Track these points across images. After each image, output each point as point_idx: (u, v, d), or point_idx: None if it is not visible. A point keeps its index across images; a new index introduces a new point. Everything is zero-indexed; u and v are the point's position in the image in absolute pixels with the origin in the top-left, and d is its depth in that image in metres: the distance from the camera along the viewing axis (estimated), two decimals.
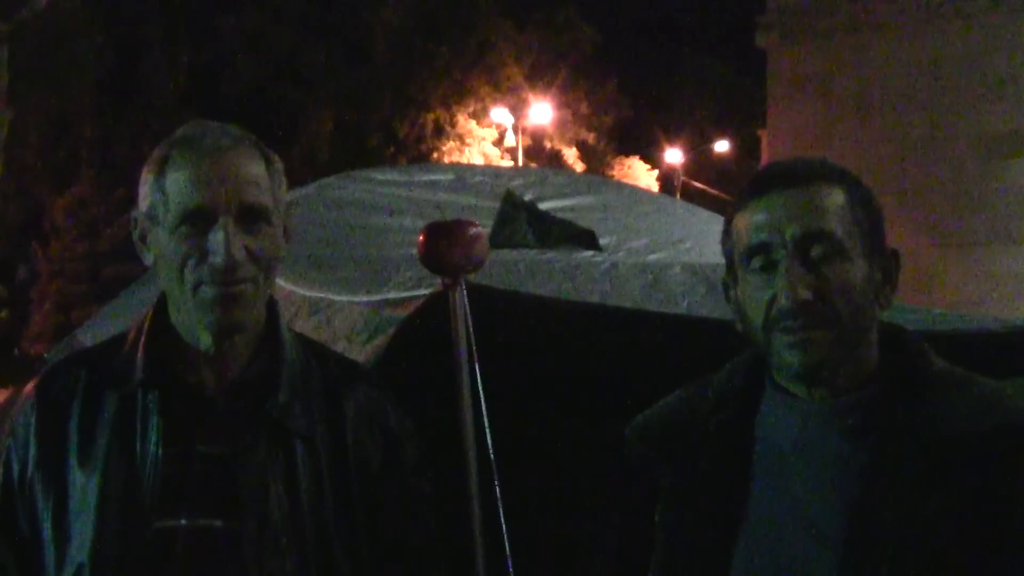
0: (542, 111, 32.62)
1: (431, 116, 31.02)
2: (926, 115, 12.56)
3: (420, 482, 1.97)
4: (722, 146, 40.06)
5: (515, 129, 31.18)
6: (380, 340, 2.81)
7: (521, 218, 3.90)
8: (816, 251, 1.56)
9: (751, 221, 1.61)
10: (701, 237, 4.01)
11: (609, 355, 3.25)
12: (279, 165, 1.88)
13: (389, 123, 30.50)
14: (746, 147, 36.82)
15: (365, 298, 3.07)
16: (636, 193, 5.55)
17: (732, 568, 1.62)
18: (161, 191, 1.79)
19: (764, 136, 20.97)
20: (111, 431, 1.80)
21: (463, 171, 4.96)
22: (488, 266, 2.86)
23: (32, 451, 1.82)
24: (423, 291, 2.93)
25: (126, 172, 23.43)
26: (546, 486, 3.59)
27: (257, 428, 1.81)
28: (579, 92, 34.98)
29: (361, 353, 2.75)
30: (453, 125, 31.31)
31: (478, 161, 28.90)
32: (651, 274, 3.57)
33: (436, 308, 2.75)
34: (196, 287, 1.77)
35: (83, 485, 1.78)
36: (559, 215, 4.12)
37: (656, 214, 4.61)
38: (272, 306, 1.91)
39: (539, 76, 33.15)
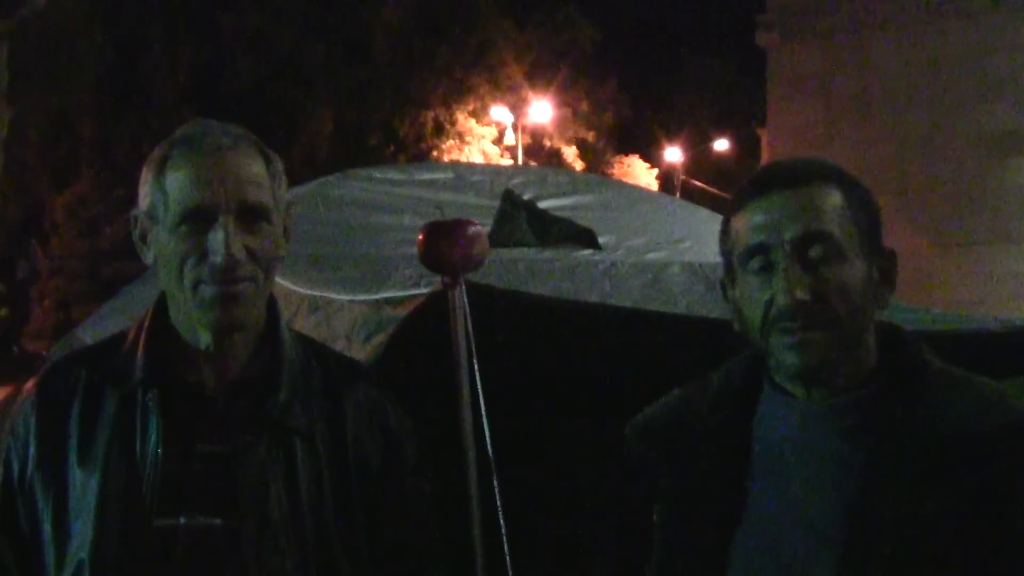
0: (542, 109, 32.61)
1: (431, 115, 31.02)
2: (926, 115, 12.57)
3: (420, 481, 1.97)
4: (722, 145, 40.07)
5: (515, 127, 31.18)
6: (379, 339, 2.82)
7: (520, 217, 3.90)
8: (814, 252, 1.56)
9: (749, 222, 1.61)
10: (700, 236, 4.01)
11: (608, 354, 3.26)
12: (279, 164, 1.88)
13: (389, 122, 30.50)
14: (746, 146, 36.81)
15: (365, 297, 3.07)
16: (635, 192, 5.55)
17: (730, 568, 1.62)
18: (161, 190, 1.79)
19: (764, 135, 20.98)
20: (111, 430, 1.80)
21: (463, 170, 4.96)
22: (487, 265, 2.86)
23: (32, 450, 1.82)
24: (422, 290, 2.93)
25: (126, 171, 23.42)
26: (545, 485, 3.60)
27: (257, 427, 1.81)
28: (579, 91, 34.98)
29: (361, 352, 2.75)
30: (453, 123, 31.31)
31: (478, 159, 28.87)
32: (650, 273, 3.58)
33: (435, 307, 2.76)
34: (196, 286, 1.77)
35: (83, 484, 1.78)
36: (558, 214, 4.13)
37: (655, 213, 4.61)
38: (272, 305, 1.91)
39: (539, 75, 33.14)
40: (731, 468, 1.65)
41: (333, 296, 3.13)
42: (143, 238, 1.86)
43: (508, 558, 2.69)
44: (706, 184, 35.11)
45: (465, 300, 2.72)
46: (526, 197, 4.16)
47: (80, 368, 1.87)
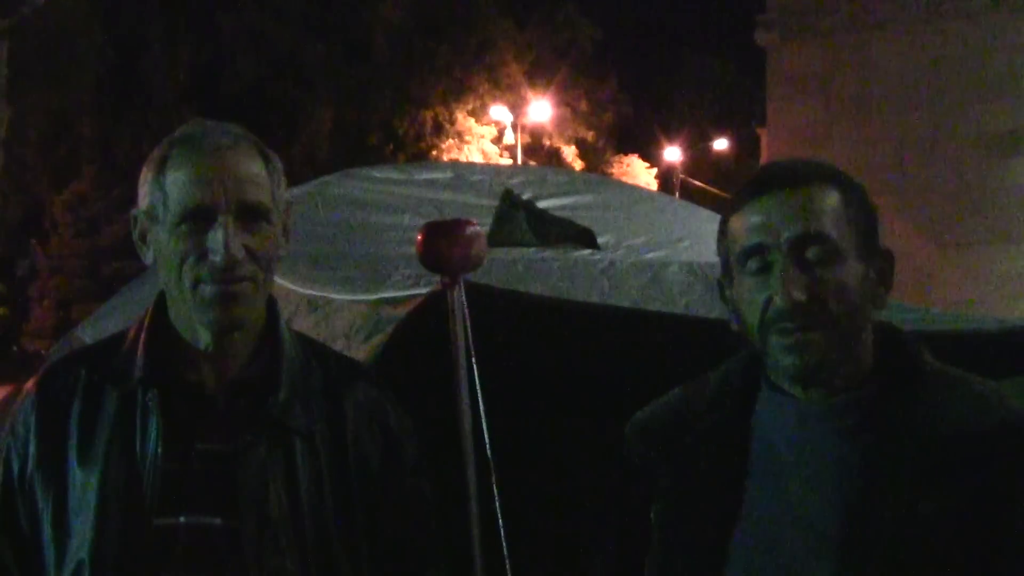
0: (541, 109, 32.63)
1: (430, 114, 31.03)
2: (926, 114, 12.56)
3: (420, 481, 1.97)
4: (721, 144, 40.11)
5: (514, 127, 31.20)
6: (379, 339, 2.82)
7: (519, 217, 3.90)
8: (811, 253, 1.56)
9: (746, 223, 1.61)
10: (699, 236, 4.01)
11: (607, 354, 3.26)
12: (278, 164, 1.88)
13: (389, 121, 30.51)
14: (745, 146, 36.85)
15: (364, 296, 3.07)
16: (635, 192, 5.55)
17: (729, 568, 1.62)
18: (161, 190, 1.79)
19: (763, 135, 20.98)
20: (111, 429, 1.80)
21: (462, 169, 4.96)
22: (486, 265, 2.86)
23: (32, 449, 1.82)
24: (421, 290, 2.93)
25: (126, 170, 23.44)
26: (545, 485, 3.60)
27: (257, 426, 1.81)
28: (578, 90, 35.01)
29: (360, 351, 2.75)
30: (452, 123, 31.33)
31: (477, 159, 28.89)
32: (649, 273, 3.57)
33: (435, 307, 2.76)
34: (195, 285, 1.77)
35: (83, 483, 1.78)
36: (557, 214, 4.13)
37: (654, 213, 4.61)
38: (272, 304, 1.91)
39: (538, 74, 33.17)
40: (730, 468, 1.65)
41: (332, 296, 3.13)
42: (143, 238, 1.86)
43: (507, 558, 2.69)
44: (705, 184, 35.12)
45: (464, 300, 2.72)
46: (525, 197, 4.16)
47: (80, 367, 1.87)
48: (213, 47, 28.93)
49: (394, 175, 4.54)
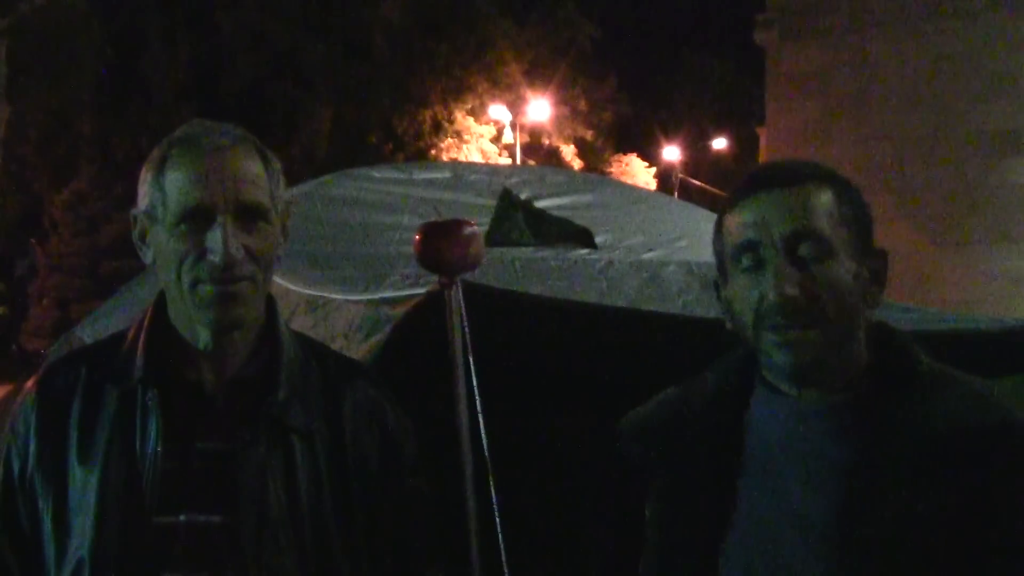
0: (540, 108, 32.61)
1: (429, 113, 31.01)
2: (925, 113, 12.57)
3: (419, 480, 1.98)
4: (720, 144, 40.12)
5: (513, 126, 31.17)
6: (377, 338, 2.82)
7: (518, 216, 3.91)
8: (804, 249, 1.57)
9: (740, 220, 1.62)
10: (697, 235, 4.02)
11: (605, 353, 3.26)
12: (277, 164, 1.89)
13: (388, 120, 30.48)
14: (745, 145, 36.85)
15: (362, 296, 3.08)
16: (633, 191, 5.56)
17: (726, 567, 1.63)
18: (160, 190, 1.80)
19: (763, 134, 20.98)
20: (111, 428, 1.81)
21: (460, 169, 4.96)
22: (484, 264, 2.87)
23: (32, 448, 1.83)
24: (420, 290, 2.93)
25: (125, 168, 23.44)
26: (542, 484, 3.61)
27: (256, 425, 1.82)
28: (578, 89, 34.99)
29: (358, 351, 2.76)
30: (451, 122, 31.30)
31: (476, 158, 28.87)
32: (647, 272, 3.58)
33: (433, 306, 2.76)
34: (194, 285, 1.78)
35: (83, 481, 1.79)
36: (556, 213, 4.13)
37: (652, 212, 4.62)
38: (271, 304, 1.92)
39: (538, 73, 33.15)
40: (724, 466, 1.66)
41: (331, 295, 3.13)
42: (142, 237, 1.87)
43: (504, 556, 2.70)
44: (704, 183, 35.13)
45: (461, 300, 2.72)
46: (523, 196, 4.16)
47: (80, 367, 1.88)
48: (212, 46, 28.90)
49: (393, 175, 4.55)
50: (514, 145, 31.03)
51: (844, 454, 1.57)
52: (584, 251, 3.86)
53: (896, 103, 12.71)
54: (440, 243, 2.72)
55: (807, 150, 12.37)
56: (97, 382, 1.85)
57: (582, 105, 35.39)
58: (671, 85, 43.80)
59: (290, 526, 1.80)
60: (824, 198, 1.60)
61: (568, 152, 34.92)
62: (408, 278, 3.17)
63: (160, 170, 1.81)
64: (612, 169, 35.27)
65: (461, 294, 2.72)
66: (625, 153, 37.71)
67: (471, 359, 2.72)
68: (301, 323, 2.94)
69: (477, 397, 2.70)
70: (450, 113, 31.34)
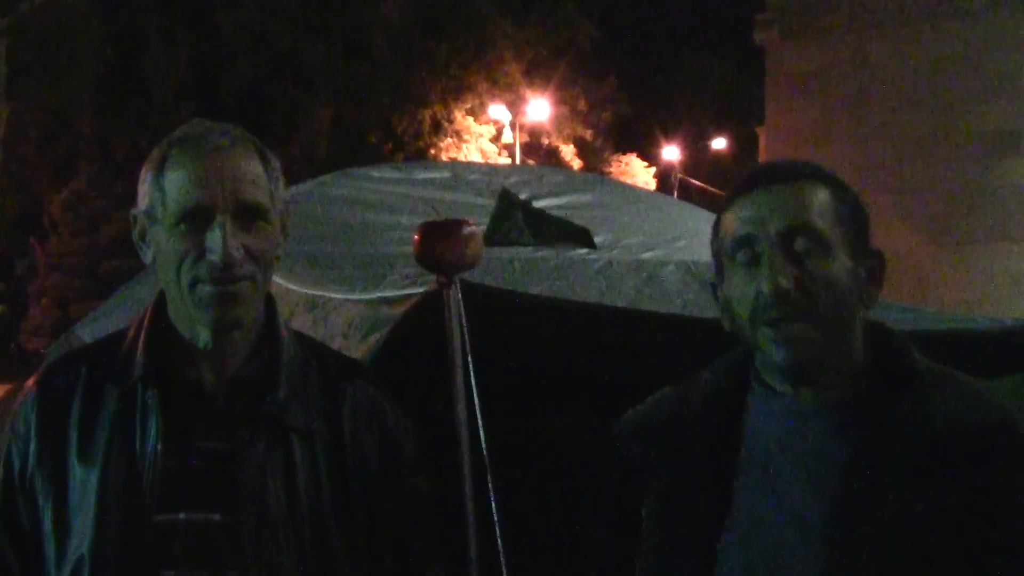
0: (540, 108, 32.61)
1: (429, 113, 31.00)
2: (925, 113, 12.55)
3: (418, 480, 1.98)
4: (720, 144, 40.12)
5: (513, 126, 31.16)
6: (376, 337, 2.83)
7: (516, 216, 3.91)
8: (799, 245, 1.58)
9: (737, 216, 1.63)
10: (696, 235, 4.02)
11: (603, 353, 3.26)
12: (277, 164, 1.90)
13: (387, 120, 30.47)
14: (744, 145, 36.85)
15: (361, 295, 3.08)
16: (631, 191, 5.56)
17: (723, 565, 1.63)
18: (160, 190, 1.80)
19: (762, 134, 20.97)
20: (111, 427, 1.81)
21: (460, 169, 4.97)
22: (483, 264, 2.87)
23: (33, 447, 1.84)
24: (419, 289, 2.94)
25: (125, 168, 23.44)
26: (541, 484, 3.61)
27: (256, 424, 1.82)
28: (577, 89, 34.98)
29: (357, 350, 2.76)
30: (451, 121, 31.29)
31: (476, 158, 28.86)
32: (646, 272, 3.59)
33: (432, 306, 2.77)
34: (194, 285, 1.79)
35: (83, 480, 1.79)
36: (554, 213, 4.13)
37: (651, 212, 4.62)
38: (270, 303, 1.92)
39: (537, 73, 33.14)
40: (721, 465, 1.66)
41: (330, 295, 3.14)
42: (142, 237, 1.88)
43: (503, 556, 2.70)
44: (704, 182, 35.13)
45: (460, 299, 2.73)
46: (522, 196, 4.16)
47: (80, 366, 1.89)
48: (212, 46, 28.89)
49: (392, 175, 4.55)
50: (513, 145, 31.02)
51: (843, 453, 1.58)
52: (583, 251, 3.86)
53: (895, 103, 12.69)
54: (439, 243, 2.73)
55: (807, 150, 12.35)
56: (97, 381, 1.85)
57: (582, 105, 35.39)
58: (671, 85, 43.80)
59: (290, 525, 1.80)
60: (821, 195, 1.61)
61: (568, 152, 34.91)
62: (407, 278, 3.17)
63: (160, 170, 1.81)
64: (612, 169, 35.27)
65: (460, 294, 2.73)
66: (625, 153, 37.71)
67: (470, 359, 2.72)
68: (301, 322, 2.94)
69: (476, 397, 2.71)
70: (450, 113, 31.33)
